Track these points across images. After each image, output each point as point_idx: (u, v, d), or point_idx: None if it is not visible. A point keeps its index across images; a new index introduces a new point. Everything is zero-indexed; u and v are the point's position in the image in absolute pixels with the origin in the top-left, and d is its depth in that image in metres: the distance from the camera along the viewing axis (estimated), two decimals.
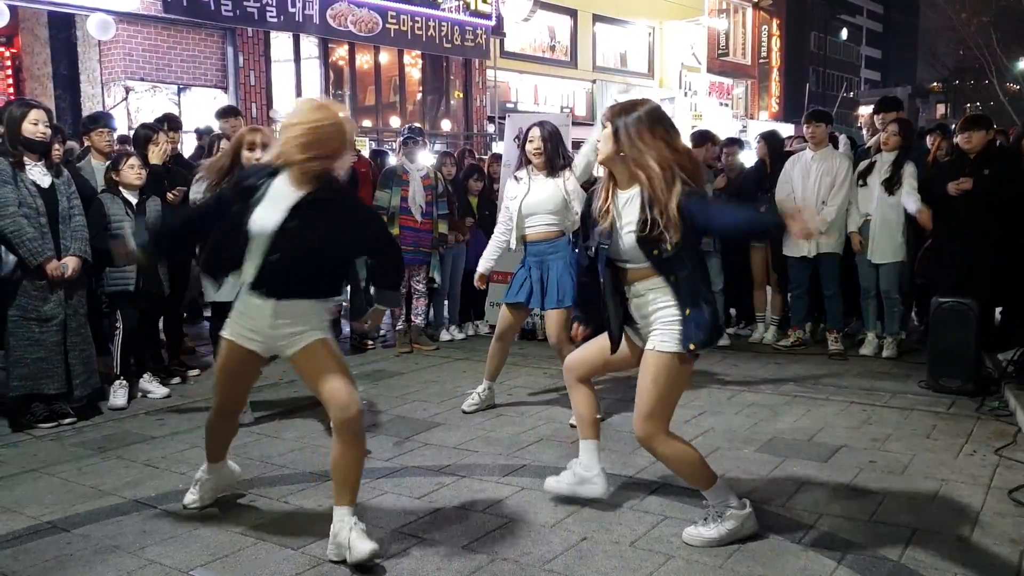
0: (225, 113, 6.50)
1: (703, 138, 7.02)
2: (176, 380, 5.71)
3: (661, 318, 2.97)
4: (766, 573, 2.86)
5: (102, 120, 5.85)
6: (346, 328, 7.05)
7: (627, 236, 2.96)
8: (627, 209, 2.98)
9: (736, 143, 7.78)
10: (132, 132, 6.90)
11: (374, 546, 2.92)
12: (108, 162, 5.41)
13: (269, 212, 2.98)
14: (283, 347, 3.08)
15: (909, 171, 5.86)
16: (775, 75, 31.28)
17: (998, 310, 6.10)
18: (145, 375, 5.38)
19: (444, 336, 7.18)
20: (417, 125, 8.40)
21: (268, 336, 3.07)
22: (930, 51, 44.88)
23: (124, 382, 5.17)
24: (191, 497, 3.48)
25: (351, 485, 3.01)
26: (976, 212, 5.39)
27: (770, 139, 7.16)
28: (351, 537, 2.92)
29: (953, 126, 8.04)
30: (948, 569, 2.86)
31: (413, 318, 6.88)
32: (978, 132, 5.46)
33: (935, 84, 46.33)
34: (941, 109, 42.30)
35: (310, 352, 3.04)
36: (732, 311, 7.52)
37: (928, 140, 7.04)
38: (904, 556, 2.96)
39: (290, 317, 3.03)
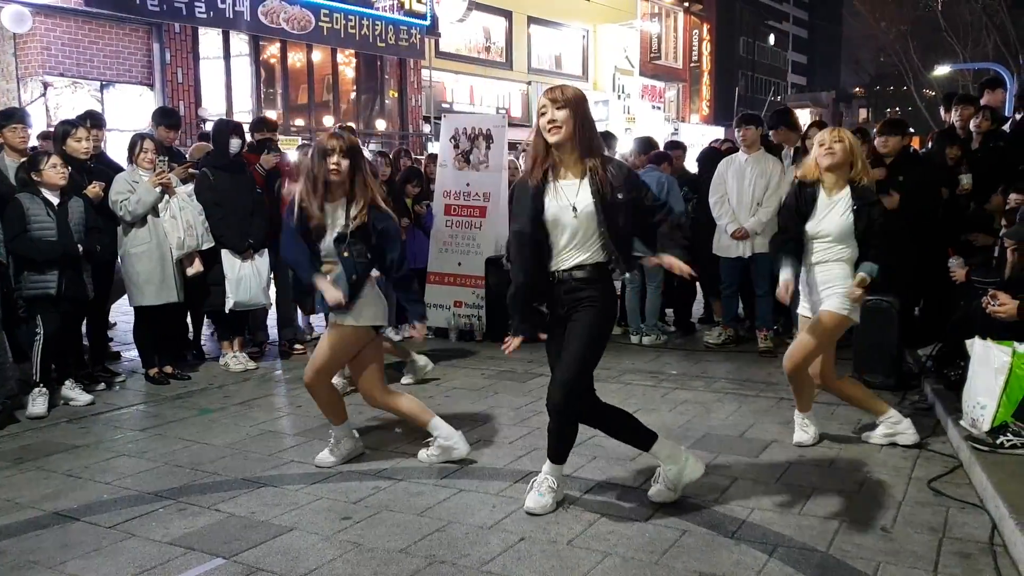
0: (171, 124, 6.30)
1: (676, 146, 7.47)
2: (101, 386, 5.52)
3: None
4: (700, 567, 2.91)
5: (16, 116, 5.56)
6: (273, 333, 6.91)
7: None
8: None
9: (680, 147, 7.92)
10: (51, 128, 6.59)
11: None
12: (23, 160, 5.18)
13: None
14: None
15: None
16: (706, 79, 31.93)
17: (917, 307, 6.33)
18: (67, 382, 5.19)
19: None
20: (350, 124, 8.28)
21: None
22: (853, 57, 46.56)
23: (44, 389, 4.96)
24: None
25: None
26: (892, 217, 5.60)
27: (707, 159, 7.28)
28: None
29: (874, 130, 8.30)
30: (873, 558, 2.96)
31: None
32: (894, 137, 5.68)
33: (857, 89, 48.03)
34: (863, 113, 43.81)
35: None
36: (670, 311, 7.65)
37: None
38: (832, 547, 3.05)
39: None
